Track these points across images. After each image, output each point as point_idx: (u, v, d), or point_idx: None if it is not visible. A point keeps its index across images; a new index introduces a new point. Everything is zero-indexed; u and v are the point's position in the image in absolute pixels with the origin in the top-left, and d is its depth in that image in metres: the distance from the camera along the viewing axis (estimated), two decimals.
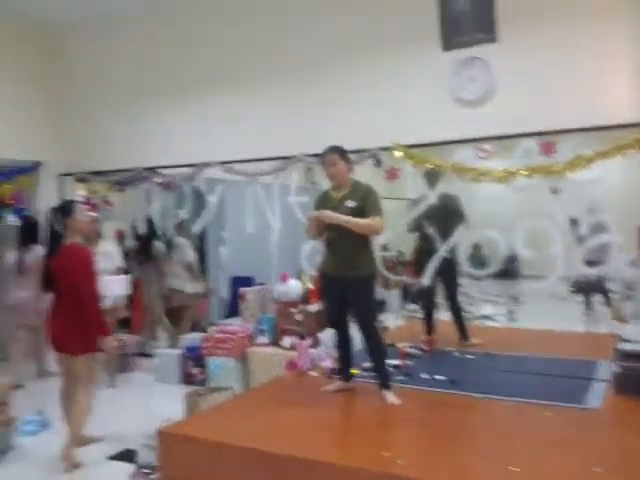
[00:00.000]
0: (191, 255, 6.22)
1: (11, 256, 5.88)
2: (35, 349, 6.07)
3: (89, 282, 3.70)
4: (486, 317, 7.95)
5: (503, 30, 4.39)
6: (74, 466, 3.78)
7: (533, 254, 4.43)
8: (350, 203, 3.56)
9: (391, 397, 3.64)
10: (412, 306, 8.85)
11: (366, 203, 3.53)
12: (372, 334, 3.69)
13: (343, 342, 3.86)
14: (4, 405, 4.31)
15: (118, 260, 5.54)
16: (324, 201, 3.70)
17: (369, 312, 3.69)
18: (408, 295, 9.20)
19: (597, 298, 7.57)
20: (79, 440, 3.91)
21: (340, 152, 3.63)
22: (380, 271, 3.71)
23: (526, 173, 4.23)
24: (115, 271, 5.56)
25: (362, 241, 3.56)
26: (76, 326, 3.73)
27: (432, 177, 4.61)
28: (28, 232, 5.86)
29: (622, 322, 7.12)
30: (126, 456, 3.78)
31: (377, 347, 3.71)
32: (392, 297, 8.32)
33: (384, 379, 3.71)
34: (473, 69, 4.47)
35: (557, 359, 4.60)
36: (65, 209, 3.80)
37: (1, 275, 6.37)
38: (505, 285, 9.54)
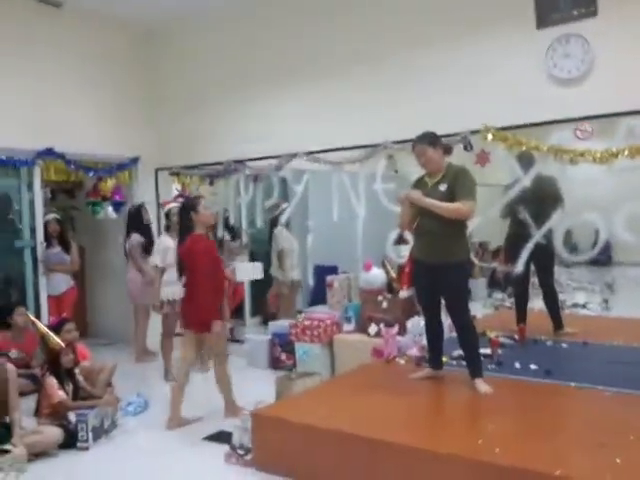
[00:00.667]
0: (287, 244, 6.31)
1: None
2: (138, 331, 6.42)
3: (203, 267, 4.10)
4: (579, 305, 7.60)
5: (602, 3, 4.13)
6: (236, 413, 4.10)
7: (631, 239, 4.15)
8: (442, 187, 3.52)
9: (483, 386, 3.56)
10: (499, 295, 8.65)
11: (456, 185, 3.46)
12: (464, 322, 3.63)
13: (434, 329, 3.82)
14: (110, 386, 4.60)
15: None
16: (418, 187, 3.69)
17: (461, 300, 3.63)
18: (495, 283, 8.98)
19: None
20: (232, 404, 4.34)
21: (428, 140, 3.58)
22: (471, 259, 3.60)
23: (628, 153, 3.97)
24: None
25: (454, 227, 3.49)
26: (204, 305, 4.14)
27: (526, 159, 4.44)
28: (131, 221, 6.25)
29: None
30: (221, 437, 3.90)
31: (469, 335, 3.65)
32: (478, 285, 8.11)
33: (476, 368, 3.64)
34: (570, 46, 4.25)
35: None
36: (190, 204, 4.33)
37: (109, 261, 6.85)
38: (598, 272, 9.11)
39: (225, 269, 4.89)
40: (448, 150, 3.64)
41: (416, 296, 4.07)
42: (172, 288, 5.35)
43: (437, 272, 3.54)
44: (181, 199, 5.80)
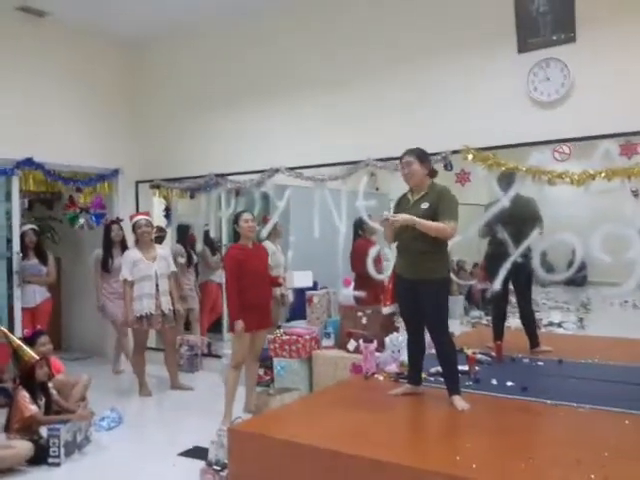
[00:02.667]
0: (272, 258, 6.27)
1: (95, 256, 6.21)
2: (116, 346, 6.34)
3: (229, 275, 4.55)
4: (554, 324, 7.68)
5: (581, 29, 4.26)
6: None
7: (608, 260, 4.23)
8: (424, 205, 3.54)
9: (461, 402, 3.57)
10: (477, 312, 8.72)
11: (439, 205, 3.49)
12: (443, 339, 3.64)
13: (415, 345, 3.82)
14: (84, 401, 4.51)
15: (172, 264, 5.69)
16: (401, 203, 3.72)
17: (441, 316, 3.63)
18: (472, 301, 9.05)
19: None
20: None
21: (417, 154, 3.60)
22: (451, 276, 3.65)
23: (605, 175, 4.06)
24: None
25: (435, 245, 3.51)
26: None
27: (505, 180, 4.52)
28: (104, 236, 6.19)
29: None
30: (196, 453, 3.85)
31: (448, 352, 3.65)
32: (456, 303, 8.16)
33: (454, 385, 3.64)
34: (550, 70, 4.36)
35: (632, 367, 4.41)
36: (235, 218, 4.72)
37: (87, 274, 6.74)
38: (573, 292, 9.21)
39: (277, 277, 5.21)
40: (433, 173, 3.65)
41: (399, 312, 4.08)
42: (144, 302, 5.30)
43: (418, 288, 3.57)
44: (146, 215, 5.75)
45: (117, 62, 6.85)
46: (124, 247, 6.02)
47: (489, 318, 8.09)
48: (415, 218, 3.48)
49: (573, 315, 8.24)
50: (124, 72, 6.89)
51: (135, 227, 5.50)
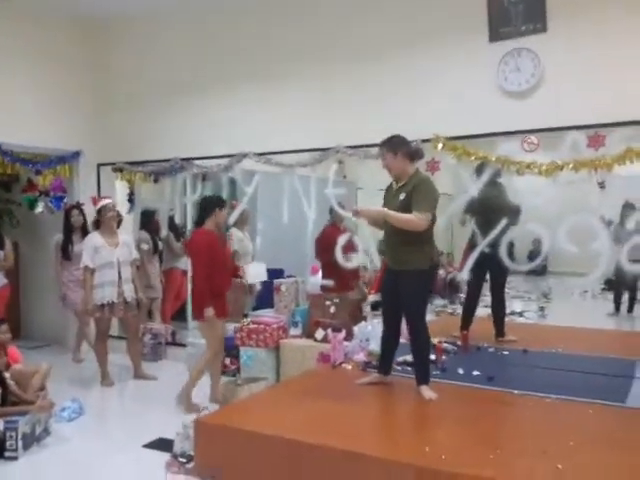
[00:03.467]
0: (240, 245, 6.12)
1: (55, 242, 6.03)
2: (77, 334, 6.16)
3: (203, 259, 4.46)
4: (516, 313, 7.81)
5: (552, 19, 4.26)
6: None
7: (574, 250, 4.28)
8: (401, 195, 3.49)
9: (428, 392, 3.57)
10: (441, 301, 8.81)
11: (413, 196, 3.42)
12: (418, 329, 3.62)
13: (389, 335, 3.81)
14: (44, 391, 4.36)
15: (134, 251, 5.56)
16: (386, 193, 3.66)
17: (417, 307, 3.60)
18: (435, 290, 9.13)
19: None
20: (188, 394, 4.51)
21: (389, 146, 3.51)
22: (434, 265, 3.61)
23: (572, 166, 4.09)
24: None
25: (413, 235, 3.43)
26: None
27: (482, 169, 4.52)
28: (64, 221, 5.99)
29: None
30: (161, 445, 3.77)
31: (422, 343, 3.64)
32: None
33: (423, 375, 3.65)
34: (520, 60, 4.36)
35: (595, 357, 4.50)
36: (219, 201, 4.68)
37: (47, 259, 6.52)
38: (533, 282, 9.39)
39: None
40: (414, 155, 3.53)
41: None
42: (106, 290, 5.15)
43: (398, 278, 3.55)
44: (108, 199, 5.58)
45: (81, 41, 6.60)
46: (85, 233, 5.83)
47: (454, 307, 8.25)
48: (384, 210, 3.44)
49: (534, 304, 8.42)
50: (88, 51, 6.64)
51: (102, 211, 5.32)
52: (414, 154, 3.53)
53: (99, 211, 5.35)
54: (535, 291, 9.24)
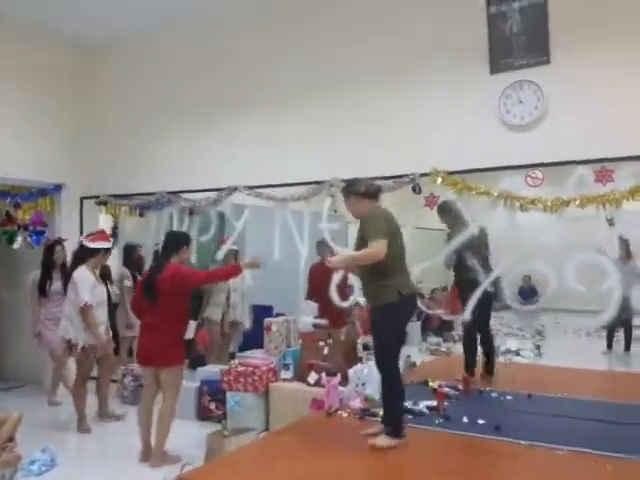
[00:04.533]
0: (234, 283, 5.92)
1: (32, 279, 5.72)
2: (53, 376, 5.80)
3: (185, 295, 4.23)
4: (512, 352, 7.57)
5: (555, 51, 4.14)
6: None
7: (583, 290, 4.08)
8: (357, 234, 3.51)
9: (382, 440, 3.35)
10: (434, 339, 8.57)
11: (364, 231, 3.39)
12: (384, 370, 3.44)
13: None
14: (12, 442, 3.98)
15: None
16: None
17: (382, 344, 3.44)
18: (428, 327, 8.90)
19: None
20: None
21: (345, 191, 3.60)
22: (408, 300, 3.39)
23: (579, 202, 3.92)
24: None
25: (378, 268, 3.35)
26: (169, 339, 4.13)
27: (447, 209, 4.54)
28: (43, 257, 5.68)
29: None
30: None
31: (389, 386, 3.43)
32: (413, 329, 7.98)
33: (390, 424, 3.40)
34: (523, 92, 4.22)
35: (606, 402, 4.31)
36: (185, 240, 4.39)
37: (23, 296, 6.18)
38: (525, 318, 9.19)
39: None
40: (370, 195, 3.51)
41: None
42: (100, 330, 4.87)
43: (370, 315, 3.53)
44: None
45: (64, 68, 6.40)
46: (64, 270, 5.53)
47: (448, 345, 8.02)
48: (349, 254, 3.55)
49: (529, 342, 8.21)
50: (72, 79, 6.44)
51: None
52: (366, 193, 3.51)
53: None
54: (528, 328, 9.05)
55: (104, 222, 6.41)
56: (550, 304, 8.71)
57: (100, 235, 5.23)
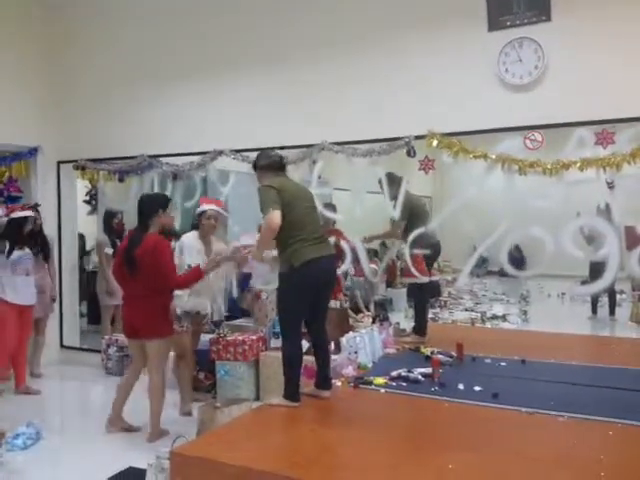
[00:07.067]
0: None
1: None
2: (32, 349, 5.62)
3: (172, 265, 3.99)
4: (499, 317, 7.58)
5: (556, 7, 3.97)
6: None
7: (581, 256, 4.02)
8: None
9: (274, 399, 3.50)
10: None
11: (260, 206, 3.38)
12: (282, 336, 3.54)
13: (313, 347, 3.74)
14: None
15: None
16: None
17: (278, 312, 3.58)
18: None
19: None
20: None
21: (253, 165, 3.65)
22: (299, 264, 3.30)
23: (579, 165, 3.82)
24: None
25: (277, 239, 3.40)
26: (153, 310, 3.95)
27: (395, 180, 4.61)
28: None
29: None
30: (131, 476, 3.34)
31: (283, 351, 3.51)
32: (398, 296, 7.93)
33: (284, 387, 3.48)
34: (522, 50, 4.05)
35: (598, 367, 4.30)
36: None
37: None
38: (508, 283, 9.23)
39: None
40: (272, 167, 3.52)
41: None
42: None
43: None
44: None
45: (39, 26, 6.05)
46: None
47: (435, 311, 8.00)
48: (257, 242, 3.54)
49: (515, 307, 8.23)
50: (47, 38, 6.09)
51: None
52: (269, 166, 3.53)
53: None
54: (512, 294, 9.09)
55: (81, 188, 6.19)
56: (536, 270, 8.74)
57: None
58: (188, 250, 4.41)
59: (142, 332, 3.96)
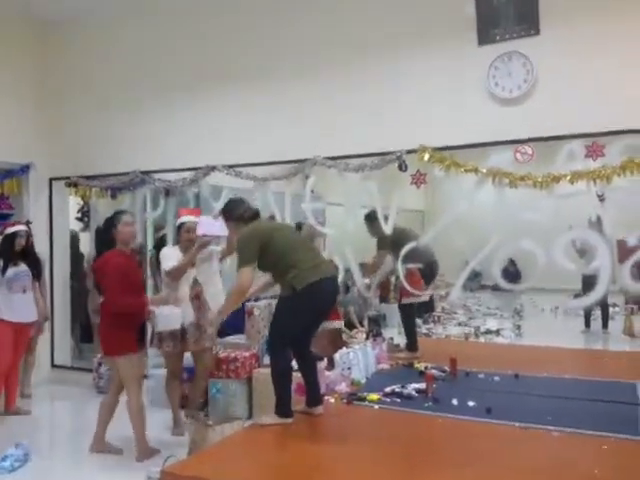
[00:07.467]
0: None
1: None
2: (22, 369, 5.54)
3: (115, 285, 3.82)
4: (492, 332, 7.57)
5: (545, 21, 4.00)
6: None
7: (572, 268, 4.02)
8: None
9: (268, 419, 3.46)
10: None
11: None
12: (269, 351, 3.60)
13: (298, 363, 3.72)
14: None
15: None
16: None
17: (270, 329, 3.60)
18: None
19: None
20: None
21: (224, 214, 3.69)
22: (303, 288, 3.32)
23: (569, 178, 3.83)
24: None
25: (273, 275, 3.57)
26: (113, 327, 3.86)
27: (373, 217, 4.70)
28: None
29: (633, 337, 6.98)
30: None
31: (272, 368, 3.51)
32: (392, 311, 7.91)
33: (276, 403, 3.47)
34: (512, 64, 4.07)
35: (592, 381, 4.31)
36: (109, 221, 4.03)
37: None
38: (502, 298, 9.21)
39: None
40: (245, 219, 3.54)
41: None
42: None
43: None
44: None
45: (32, 43, 6.04)
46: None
47: (429, 327, 7.97)
48: (221, 307, 3.59)
49: (508, 322, 8.22)
50: (39, 55, 6.08)
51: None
52: (241, 218, 3.55)
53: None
54: (506, 308, 9.08)
55: (74, 205, 6.15)
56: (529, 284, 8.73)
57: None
58: (166, 258, 4.34)
59: (103, 348, 3.96)
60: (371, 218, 4.76)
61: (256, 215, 3.61)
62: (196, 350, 4.36)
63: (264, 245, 3.35)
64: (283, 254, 3.37)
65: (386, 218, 4.56)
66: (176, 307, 4.09)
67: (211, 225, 4.27)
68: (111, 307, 3.81)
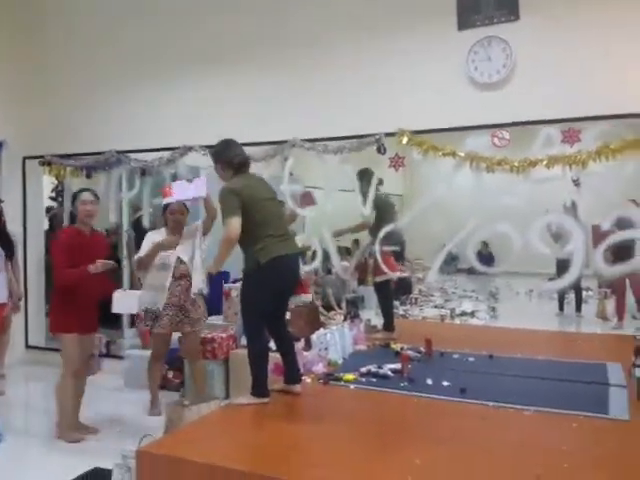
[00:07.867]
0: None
1: None
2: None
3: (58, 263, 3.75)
4: (467, 314, 7.66)
5: (524, 7, 4.02)
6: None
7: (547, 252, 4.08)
8: None
9: (243, 399, 3.43)
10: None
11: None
12: (247, 336, 3.50)
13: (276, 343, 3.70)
14: None
15: None
16: None
17: (243, 309, 3.48)
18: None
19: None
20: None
21: (210, 153, 3.57)
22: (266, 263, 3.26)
23: (546, 163, 3.87)
24: None
25: (241, 240, 3.33)
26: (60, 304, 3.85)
27: (366, 176, 4.60)
28: None
29: (606, 320, 7.15)
30: (97, 477, 3.27)
31: (248, 348, 3.47)
32: (369, 292, 7.97)
33: (252, 383, 3.44)
34: (491, 49, 4.10)
35: (564, 362, 4.36)
36: (72, 198, 3.98)
37: None
38: (477, 281, 9.35)
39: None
40: (234, 166, 3.38)
41: None
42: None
43: None
44: None
45: (6, 18, 5.90)
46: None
47: (405, 308, 8.05)
48: (215, 257, 3.40)
49: (483, 304, 8.33)
50: (14, 30, 5.94)
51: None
52: (230, 164, 3.39)
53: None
54: (481, 291, 9.20)
55: (48, 184, 6.05)
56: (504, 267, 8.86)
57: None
58: (143, 245, 4.24)
59: (49, 324, 4.02)
60: (363, 173, 4.67)
61: (245, 164, 3.45)
62: (185, 332, 4.30)
63: (244, 209, 3.25)
64: (258, 224, 3.29)
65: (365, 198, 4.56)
66: (133, 292, 4.10)
67: (185, 189, 4.07)
68: (55, 282, 3.79)
